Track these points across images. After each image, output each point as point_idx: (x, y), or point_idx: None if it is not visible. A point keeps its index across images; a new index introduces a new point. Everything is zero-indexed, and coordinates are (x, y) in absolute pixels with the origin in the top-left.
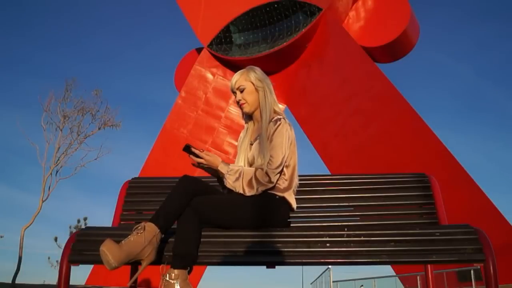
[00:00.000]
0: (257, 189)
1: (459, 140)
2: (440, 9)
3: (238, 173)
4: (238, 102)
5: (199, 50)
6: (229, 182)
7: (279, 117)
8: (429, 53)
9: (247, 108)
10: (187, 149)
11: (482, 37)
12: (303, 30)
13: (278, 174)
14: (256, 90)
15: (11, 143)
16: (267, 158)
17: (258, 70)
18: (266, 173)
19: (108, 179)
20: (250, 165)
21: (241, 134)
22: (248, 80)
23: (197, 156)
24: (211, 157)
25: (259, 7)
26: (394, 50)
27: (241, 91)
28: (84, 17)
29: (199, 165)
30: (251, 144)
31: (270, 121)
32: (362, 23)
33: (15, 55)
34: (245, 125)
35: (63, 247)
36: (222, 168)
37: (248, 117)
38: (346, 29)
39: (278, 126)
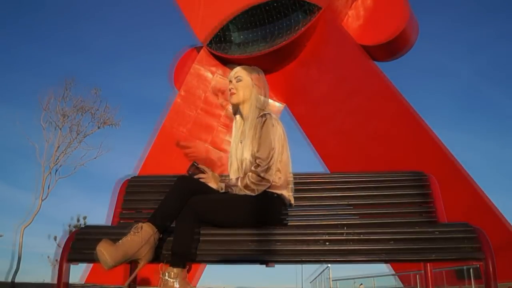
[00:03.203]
0: (257, 190)
1: (458, 139)
2: (439, 8)
3: (234, 186)
4: (230, 91)
5: (198, 49)
6: None
7: (264, 112)
8: (428, 52)
9: (234, 99)
10: (193, 167)
11: (481, 36)
12: (302, 29)
13: (270, 170)
14: (252, 86)
15: (10, 142)
16: (258, 154)
17: (262, 73)
18: (258, 174)
19: (108, 178)
20: (241, 162)
21: (233, 132)
22: (249, 75)
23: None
24: (210, 178)
25: (258, 6)
26: (393, 49)
27: (237, 81)
28: (83, 16)
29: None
30: (241, 143)
31: (257, 118)
32: (361, 21)
33: (14, 54)
34: (234, 123)
35: (62, 246)
36: (220, 186)
37: (238, 112)
38: (345, 27)
39: (263, 123)
